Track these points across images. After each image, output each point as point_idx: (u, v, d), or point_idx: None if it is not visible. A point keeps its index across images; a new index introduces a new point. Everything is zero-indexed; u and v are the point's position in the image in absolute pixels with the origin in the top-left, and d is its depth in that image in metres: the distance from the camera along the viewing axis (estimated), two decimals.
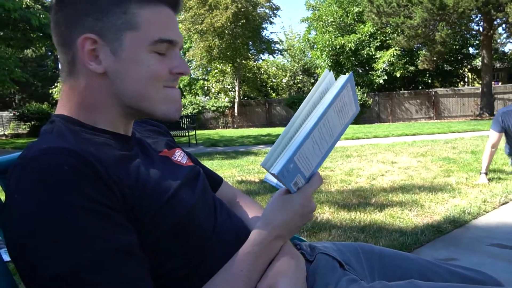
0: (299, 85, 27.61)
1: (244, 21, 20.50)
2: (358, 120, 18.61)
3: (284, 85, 27.78)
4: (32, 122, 19.56)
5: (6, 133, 21.74)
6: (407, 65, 20.85)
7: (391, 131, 11.77)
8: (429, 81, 22.34)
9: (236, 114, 22.16)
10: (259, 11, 21.80)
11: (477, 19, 18.22)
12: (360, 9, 21.21)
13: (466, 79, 24.93)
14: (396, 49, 20.23)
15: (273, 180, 0.80)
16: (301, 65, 27.72)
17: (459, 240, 2.58)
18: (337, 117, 0.76)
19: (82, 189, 0.56)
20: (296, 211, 0.74)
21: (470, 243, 2.52)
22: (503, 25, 17.49)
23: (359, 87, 20.86)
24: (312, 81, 27.23)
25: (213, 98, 24.39)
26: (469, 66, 23.66)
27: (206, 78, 24.92)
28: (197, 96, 24.65)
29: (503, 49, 22.31)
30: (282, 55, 26.67)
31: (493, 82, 18.73)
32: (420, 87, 22.28)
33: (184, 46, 24.97)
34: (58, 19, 0.70)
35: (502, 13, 15.37)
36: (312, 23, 24.78)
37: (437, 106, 20.19)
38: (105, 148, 0.68)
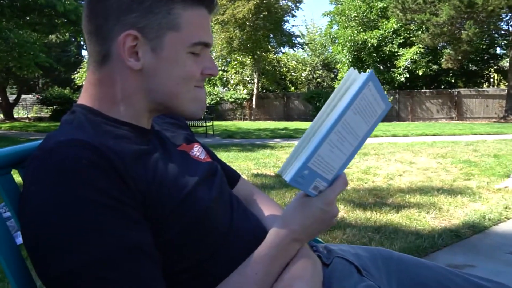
0: (319, 79, 27.36)
1: (266, 13, 20.36)
2: None
3: (303, 79, 27.57)
4: (54, 107, 19.99)
5: (29, 116, 22.29)
6: (430, 64, 20.35)
7: (411, 130, 11.56)
8: (452, 80, 21.80)
9: (254, 107, 22.12)
10: (281, 4, 21.61)
11: (507, 18, 17.65)
12: (385, 5, 20.77)
13: (491, 80, 24.24)
14: (419, 47, 19.76)
15: None
16: (321, 59, 27.42)
17: (477, 246, 2.51)
18: (359, 118, 0.73)
19: (98, 184, 0.55)
20: (315, 216, 0.71)
21: (488, 250, 2.46)
22: None
23: None
24: (332, 76, 26.94)
25: (232, 89, 24.39)
26: (495, 67, 22.95)
27: (225, 69, 24.90)
28: (215, 87, 24.68)
29: None
30: (302, 49, 26.44)
31: None
32: (442, 87, 21.78)
33: None
34: (98, 9, 0.68)
35: None
36: (334, 17, 24.40)
37: (459, 106, 19.72)
38: (124, 141, 0.67)
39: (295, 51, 27.14)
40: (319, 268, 0.75)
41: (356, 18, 22.08)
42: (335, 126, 0.66)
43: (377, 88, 0.75)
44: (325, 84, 26.73)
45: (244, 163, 5.89)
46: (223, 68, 24.90)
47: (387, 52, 21.27)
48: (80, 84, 18.87)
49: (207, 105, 17.81)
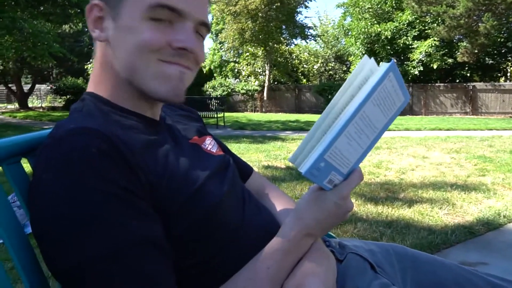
0: (331, 72, 27.08)
1: (279, 4, 20.15)
2: None
3: (315, 72, 27.32)
4: (68, 96, 20.19)
5: (43, 105, 22.57)
6: (445, 57, 19.96)
7: (424, 125, 11.40)
8: (468, 74, 21.36)
9: (265, 98, 22.03)
10: None
11: None
12: None
13: (508, 74, 23.70)
14: (435, 40, 19.38)
15: None
16: (334, 51, 27.11)
17: (491, 244, 2.47)
18: (378, 110, 0.71)
19: (107, 174, 0.54)
20: (329, 210, 0.68)
21: (503, 247, 2.41)
22: None
23: None
24: (344, 68, 26.64)
25: (243, 81, 24.31)
26: None
27: (237, 60, 24.80)
28: (227, 78, 24.63)
29: None
30: (315, 40, 26.09)
31: None
32: (457, 80, 21.37)
33: (217, 28, 24.86)
34: None
35: None
36: (348, 8, 24.05)
37: (474, 101, 19.34)
38: (133, 131, 0.66)
39: (307, 43, 26.88)
40: (333, 264, 0.73)
41: (370, 10, 21.73)
42: (353, 118, 0.63)
43: (397, 79, 0.72)
44: (337, 76, 26.44)
45: (255, 155, 5.88)
46: (235, 59, 24.80)
47: (401, 44, 20.92)
48: None
49: (219, 96, 17.84)
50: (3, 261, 1.79)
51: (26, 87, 22.40)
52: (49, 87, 22.58)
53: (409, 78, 20.94)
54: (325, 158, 0.62)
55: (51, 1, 11.44)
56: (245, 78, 24.54)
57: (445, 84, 20.37)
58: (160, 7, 0.62)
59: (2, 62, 19.60)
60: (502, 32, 19.64)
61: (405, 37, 20.76)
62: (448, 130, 10.38)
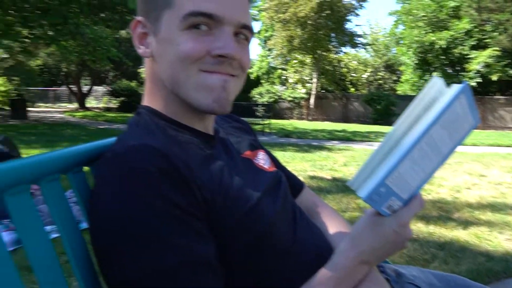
0: (380, 81, 26.40)
1: (329, 11, 19.97)
2: None
3: (364, 81, 26.74)
4: (122, 98, 21.20)
5: (99, 106, 23.86)
6: (506, 68, 18.74)
7: (481, 140, 10.73)
8: None
9: (311, 106, 21.84)
10: (344, 2, 21.06)
11: None
12: (457, 4, 19.45)
13: None
14: (495, 50, 18.27)
15: None
16: (384, 60, 26.44)
17: None
18: (445, 133, 0.66)
19: (166, 193, 0.54)
20: (387, 238, 0.64)
21: None
22: None
23: None
24: (395, 78, 25.87)
25: (290, 88, 24.28)
26: None
27: (284, 67, 24.84)
28: (274, 85, 24.72)
29: None
30: (365, 49, 25.55)
31: None
32: None
33: (266, 35, 25.08)
34: None
35: None
36: (400, 16, 23.35)
37: None
38: (190, 148, 0.65)
39: (357, 51, 26.37)
40: None
41: (424, 18, 20.93)
42: (419, 141, 0.59)
43: (468, 101, 0.67)
44: (386, 86, 25.72)
45: (300, 164, 5.82)
46: (282, 66, 24.85)
47: (457, 54, 19.93)
48: None
49: (265, 103, 17.93)
50: (59, 254, 1.88)
51: (85, 89, 23.81)
52: (105, 89, 23.85)
53: None
54: (386, 182, 0.59)
55: (111, 9, 12.09)
56: (292, 86, 24.50)
57: (506, 97, 19.12)
58: (194, 15, 0.60)
59: (66, 65, 21.01)
60: None
61: (461, 47, 19.74)
62: (508, 146, 9.69)
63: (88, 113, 18.82)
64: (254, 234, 0.63)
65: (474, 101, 0.69)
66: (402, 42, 22.57)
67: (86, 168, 0.70)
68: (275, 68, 25.73)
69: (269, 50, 25.15)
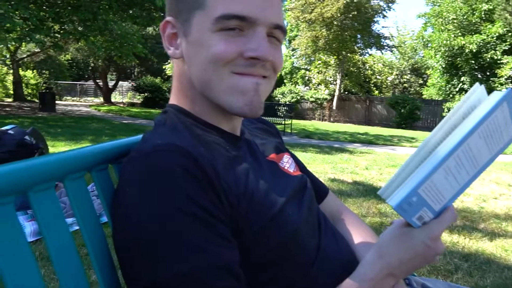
0: (405, 84, 25.88)
1: (356, 12, 19.69)
2: None
3: (389, 83, 26.27)
4: (146, 94, 21.55)
5: (124, 101, 24.32)
6: None
7: (510, 148, 10.37)
8: None
9: (334, 108, 21.62)
10: (372, 3, 20.73)
11: None
12: (491, 7, 18.83)
13: None
14: None
15: None
16: (410, 63, 25.89)
17: None
18: (483, 143, 0.62)
19: (192, 194, 0.53)
20: (416, 250, 0.61)
21: None
22: None
23: None
24: (421, 81, 25.29)
25: (313, 89, 24.09)
26: None
27: (308, 68, 24.66)
28: (296, 85, 24.59)
29: None
30: (391, 51, 25.09)
31: None
32: None
33: (291, 34, 24.96)
34: None
35: None
36: (429, 19, 22.78)
37: None
38: (215, 148, 0.64)
39: (382, 53, 25.93)
40: None
41: (455, 21, 20.35)
42: (455, 150, 0.56)
43: (511, 110, 0.64)
44: (412, 90, 25.18)
45: (321, 166, 5.76)
46: (306, 67, 24.69)
47: (488, 59, 19.30)
48: (170, 74, 20.10)
49: (287, 103, 17.86)
50: (79, 246, 1.91)
51: (111, 83, 24.32)
52: (130, 84, 24.29)
53: None
54: (419, 192, 0.56)
55: (139, 5, 12.30)
56: (315, 86, 24.32)
57: None
58: (227, 18, 0.59)
59: (93, 60, 21.52)
60: None
61: (493, 51, 19.11)
62: None
63: (113, 107, 19.20)
64: (278, 240, 0.61)
65: None
66: (430, 45, 22.02)
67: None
68: (298, 68, 25.59)
69: (293, 50, 25.03)
